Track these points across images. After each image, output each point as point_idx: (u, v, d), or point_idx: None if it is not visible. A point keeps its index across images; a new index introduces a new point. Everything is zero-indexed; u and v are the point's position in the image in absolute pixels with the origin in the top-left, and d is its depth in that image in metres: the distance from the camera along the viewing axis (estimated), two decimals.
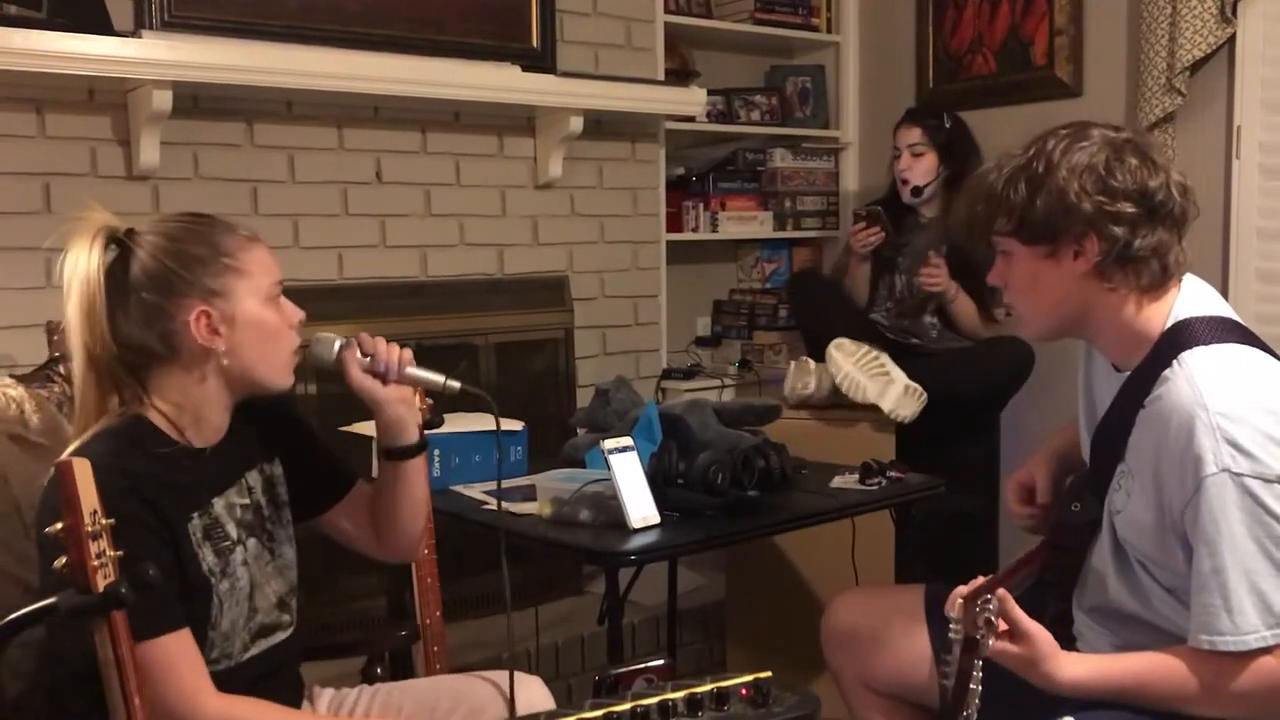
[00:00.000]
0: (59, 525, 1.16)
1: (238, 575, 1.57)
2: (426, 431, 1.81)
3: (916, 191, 3.41)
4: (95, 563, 1.16)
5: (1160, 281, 1.62)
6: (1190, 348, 1.56)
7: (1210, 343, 1.57)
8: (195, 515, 1.53)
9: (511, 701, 1.70)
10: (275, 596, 1.65)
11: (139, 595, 1.18)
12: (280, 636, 1.65)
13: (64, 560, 1.16)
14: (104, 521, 1.17)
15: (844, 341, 2.92)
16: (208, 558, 1.53)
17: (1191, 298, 1.64)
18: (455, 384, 1.70)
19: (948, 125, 3.41)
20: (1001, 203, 1.62)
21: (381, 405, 1.68)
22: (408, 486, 1.75)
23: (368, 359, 1.66)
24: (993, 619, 1.49)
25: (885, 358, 2.97)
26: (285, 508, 1.71)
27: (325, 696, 1.79)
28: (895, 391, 2.82)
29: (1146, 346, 1.62)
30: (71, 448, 1.47)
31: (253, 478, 1.65)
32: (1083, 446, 1.82)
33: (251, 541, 1.61)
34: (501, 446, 1.80)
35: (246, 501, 1.63)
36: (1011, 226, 1.63)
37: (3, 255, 2.51)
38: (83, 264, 1.47)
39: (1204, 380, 1.52)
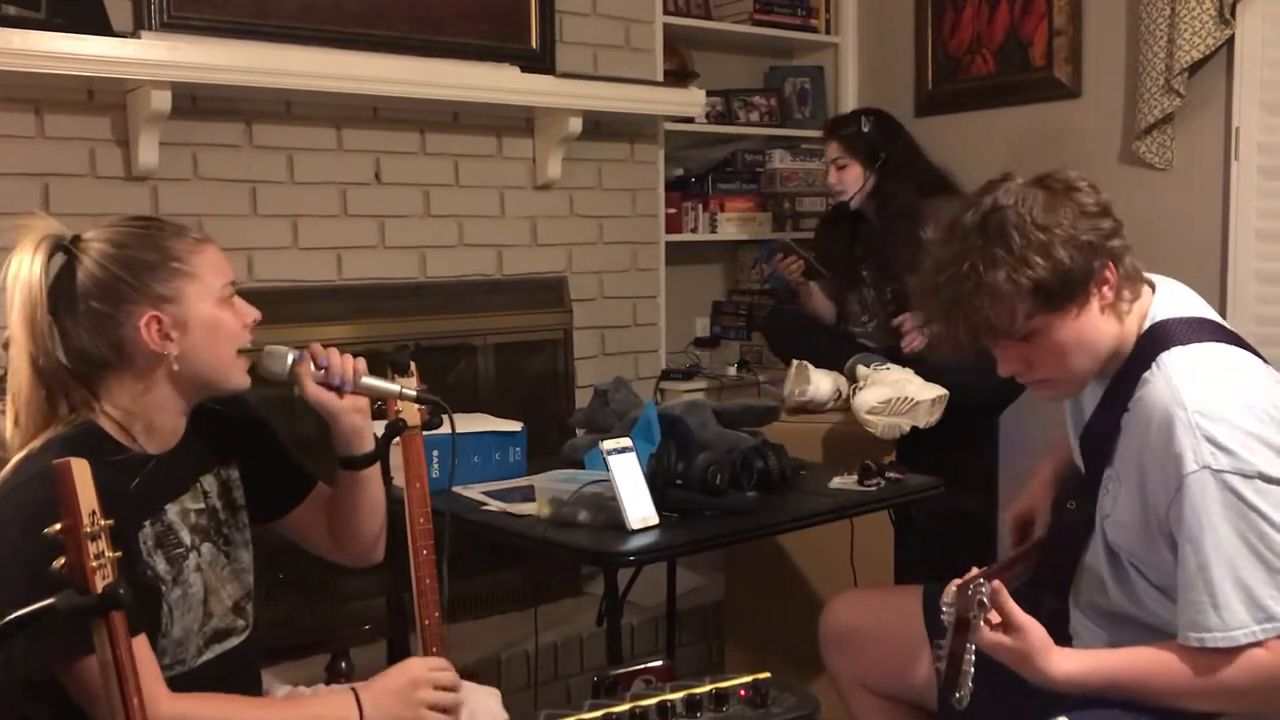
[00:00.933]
0: (58, 526, 1.16)
1: (190, 581, 1.56)
2: (425, 432, 1.81)
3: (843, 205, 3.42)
4: (94, 563, 1.15)
5: (1140, 276, 1.64)
6: (1168, 348, 1.58)
7: (1187, 343, 1.59)
8: (147, 523, 1.52)
9: None
10: (231, 601, 1.64)
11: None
12: (235, 641, 1.64)
13: (63, 560, 1.16)
14: (103, 522, 1.17)
15: (872, 402, 2.90)
16: (158, 565, 1.52)
17: (1167, 298, 1.66)
18: (411, 392, 1.71)
19: (866, 129, 3.38)
20: (1017, 294, 1.54)
21: (337, 416, 1.67)
22: (365, 493, 1.74)
23: (321, 371, 1.65)
24: (985, 600, 1.49)
25: (903, 381, 2.93)
26: (242, 511, 1.70)
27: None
28: (923, 411, 2.87)
29: (1126, 352, 1.63)
30: (19, 456, 1.45)
31: (208, 482, 1.64)
32: (1074, 454, 1.82)
33: (206, 546, 1.60)
34: (456, 451, 1.81)
35: (201, 506, 1.61)
36: (1038, 304, 1.55)
37: (1, 256, 2.50)
38: (24, 273, 1.45)
39: (1181, 380, 1.54)
